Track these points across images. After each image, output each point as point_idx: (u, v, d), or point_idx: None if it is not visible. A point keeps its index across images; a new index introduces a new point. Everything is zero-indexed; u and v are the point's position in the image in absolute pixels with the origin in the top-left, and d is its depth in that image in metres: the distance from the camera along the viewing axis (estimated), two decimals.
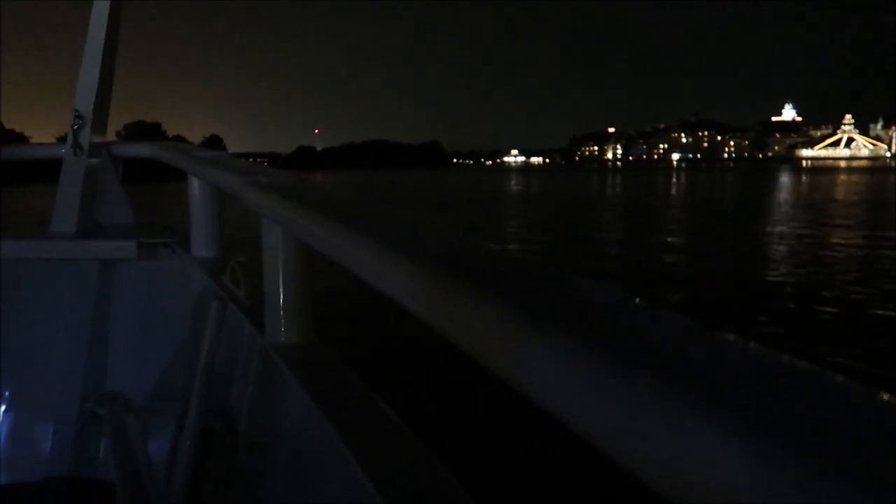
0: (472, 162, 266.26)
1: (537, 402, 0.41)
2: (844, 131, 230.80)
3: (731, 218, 25.67)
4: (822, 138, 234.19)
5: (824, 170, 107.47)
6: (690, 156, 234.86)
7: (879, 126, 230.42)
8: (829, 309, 9.28)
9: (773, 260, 14.10)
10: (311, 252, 1.31)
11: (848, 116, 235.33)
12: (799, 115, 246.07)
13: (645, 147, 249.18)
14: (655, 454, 0.32)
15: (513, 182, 71.55)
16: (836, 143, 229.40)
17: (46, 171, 2.77)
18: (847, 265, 12.92)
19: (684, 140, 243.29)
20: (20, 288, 2.30)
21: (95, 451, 2.20)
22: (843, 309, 9.30)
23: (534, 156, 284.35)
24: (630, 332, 0.42)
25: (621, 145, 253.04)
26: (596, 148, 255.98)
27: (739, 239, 18.00)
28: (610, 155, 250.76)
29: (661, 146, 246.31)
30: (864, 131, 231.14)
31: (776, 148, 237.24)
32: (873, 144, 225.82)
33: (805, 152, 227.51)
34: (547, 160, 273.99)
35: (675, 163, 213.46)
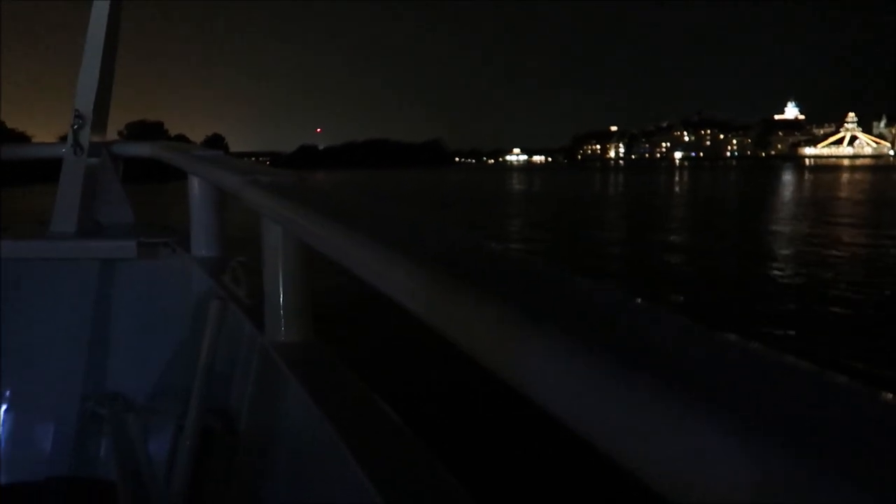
0: (474, 161, 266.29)
1: (537, 402, 0.41)
2: (847, 129, 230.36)
3: (734, 216, 25.63)
4: (825, 136, 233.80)
5: (827, 168, 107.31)
6: (693, 154, 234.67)
7: (883, 124, 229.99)
8: (834, 309, 9.26)
9: (776, 259, 14.07)
10: (311, 251, 1.30)
11: (851, 115, 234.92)
12: (802, 114, 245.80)
13: (647, 146, 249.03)
14: (655, 454, 0.32)
15: (515, 181, 71.59)
16: (840, 142, 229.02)
17: (46, 170, 2.77)
18: (853, 265, 12.88)
19: (687, 139, 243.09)
20: (20, 288, 2.30)
21: (96, 451, 2.20)
22: (847, 308, 9.28)
23: (536, 154, 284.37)
24: (630, 332, 0.42)
25: (624, 144, 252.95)
26: (598, 146, 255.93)
27: (743, 237, 17.97)
28: (612, 154, 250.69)
29: (664, 145, 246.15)
30: (867, 129, 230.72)
31: (779, 146, 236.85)
32: (876, 143, 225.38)
33: (808, 150, 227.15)
34: (549, 159, 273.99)
35: (677, 161, 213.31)
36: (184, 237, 2.35)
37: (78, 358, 2.28)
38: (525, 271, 0.60)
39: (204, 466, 1.68)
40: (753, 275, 12.13)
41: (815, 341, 7.53)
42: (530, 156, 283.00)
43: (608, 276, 11.68)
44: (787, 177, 70.02)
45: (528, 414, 0.82)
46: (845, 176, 70.21)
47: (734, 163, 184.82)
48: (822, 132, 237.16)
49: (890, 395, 0.30)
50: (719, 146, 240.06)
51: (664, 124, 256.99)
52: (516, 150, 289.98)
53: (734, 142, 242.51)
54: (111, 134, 2.77)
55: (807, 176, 72.64)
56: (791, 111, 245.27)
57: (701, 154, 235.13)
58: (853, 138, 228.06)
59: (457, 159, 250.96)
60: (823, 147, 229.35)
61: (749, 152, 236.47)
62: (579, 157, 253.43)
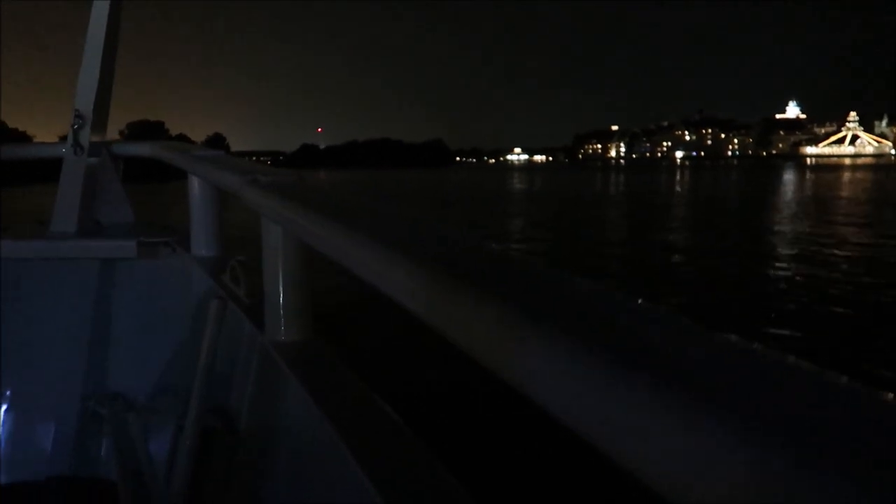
0: (475, 160, 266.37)
1: (537, 402, 0.41)
2: (849, 128, 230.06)
3: (735, 216, 25.60)
4: (827, 135, 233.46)
5: (829, 167, 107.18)
6: (694, 153, 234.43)
7: (884, 123, 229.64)
8: (835, 309, 9.25)
9: (778, 259, 14.06)
10: (310, 251, 1.30)
11: (853, 114, 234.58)
12: (803, 113, 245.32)
13: (648, 145, 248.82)
14: (655, 454, 0.32)
15: (516, 180, 71.56)
16: (841, 141, 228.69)
17: (47, 170, 2.77)
18: (856, 264, 12.87)
19: (688, 138, 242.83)
20: (20, 287, 2.30)
21: (96, 451, 2.20)
22: (848, 308, 9.27)
23: (537, 154, 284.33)
24: (630, 332, 0.42)
25: (625, 143, 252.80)
26: (599, 146, 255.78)
27: (744, 237, 17.96)
28: (613, 153, 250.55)
29: (665, 144, 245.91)
30: (868, 129, 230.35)
31: (780, 145, 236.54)
32: (878, 142, 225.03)
33: (809, 150, 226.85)
34: (550, 158, 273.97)
35: (678, 161, 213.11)
36: (184, 237, 2.35)
37: (78, 357, 2.28)
38: (525, 271, 0.59)
39: (204, 466, 1.69)
40: (755, 274, 12.12)
41: (816, 341, 7.52)
42: (531, 155, 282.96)
43: (608, 277, 11.67)
44: (789, 176, 69.95)
45: (528, 414, 0.82)
46: (847, 175, 70.11)
47: (735, 162, 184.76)
48: (823, 131, 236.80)
49: (890, 395, 0.30)
50: (720, 145, 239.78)
51: (665, 123, 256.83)
52: (517, 150, 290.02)
53: (735, 141, 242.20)
54: (112, 133, 2.78)
55: (808, 175, 72.54)
56: (792, 110, 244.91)
57: (702, 153, 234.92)
58: (854, 137, 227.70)
59: (458, 159, 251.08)
60: (825, 146, 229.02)
61: (750, 151, 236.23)
62: (580, 156, 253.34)
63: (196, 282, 2.20)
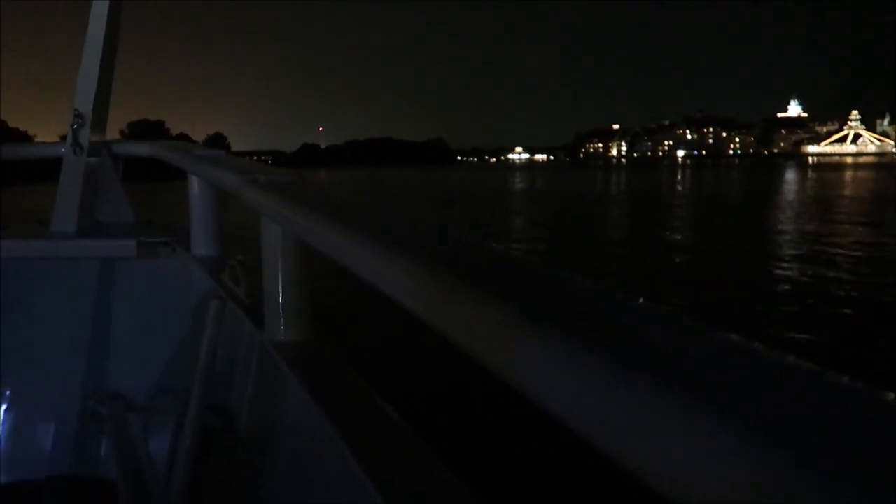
0: (476, 159, 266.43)
1: (537, 402, 0.41)
2: (851, 127, 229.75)
3: (736, 215, 25.59)
4: (829, 134, 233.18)
5: (831, 166, 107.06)
6: (695, 152, 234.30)
7: (886, 122, 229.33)
8: (836, 308, 9.23)
9: (779, 258, 14.04)
10: (310, 250, 1.30)
11: (854, 112, 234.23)
12: (805, 112, 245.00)
13: (650, 144, 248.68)
14: (655, 454, 0.32)
15: (517, 179, 71.57)
16: (843, 140, 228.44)
17: (48, 169, 2.77)
18: (860, 264, 12.85)
19: (689, 137, 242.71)
20: (20, 287, 2.30)
21: (96, 450, 2.20)
22: (850, 308, 9.26)
23: (538, 153, 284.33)
24: (630, 332, 0.42)
25: (626, 142, 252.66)
26: (600, 145, 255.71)
27: (746, 236, 17.94)
28: (615, 152, 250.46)
29: (666, 143, 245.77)
30: (870, 127, 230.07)
31: (782, 144, 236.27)
32: (880, 140, 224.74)
33: (811, 148, 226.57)
34: (551, 157, 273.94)
35: (680, 159, 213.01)
36: (184, 236, 2.35)
37: (78, 357, 2.29)
38: (525, 271, 0.59)
39: (204, 465, 1.68)
40: (756, 273, 12.10)
41: (816, 341, 7.51)
42: (532, 154, 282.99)
43: (609, 276, 11.66)
44: (791, 175, 69.89)
45: (528, 414, 0.82)
46: (849, 174, 70.05)
47: (737, 161, 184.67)
48: (825, 130, 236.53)
49: (890, 395, 0.30)
50: (722, 144, 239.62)
51: (666, 122, 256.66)
52: (518, 149, 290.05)
53: (737, 140, 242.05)
54: (113, 133, 2.78)
55: (810, 174, 72.48)
56: (794, 109, 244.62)
57: (703, 152, 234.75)
58: (857, 136, 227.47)
59: (459, 158, 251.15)
60: (826, 145, 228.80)
61: (752, 150, 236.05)
62: (581, 155, 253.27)
63: (196, 281, 2.20)
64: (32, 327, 2.29)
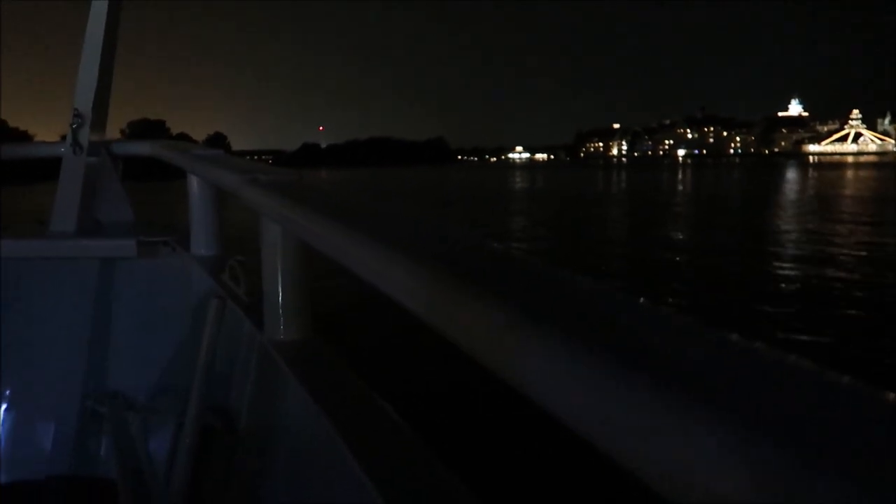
0: (476, 159, 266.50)
1: (537, 402, 0.41)
2: (852, 126, 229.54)
3: (737, 214, 25.57)
4: (829, 133, 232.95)
5: (832, 165, 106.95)
6: (696, 151, 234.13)
7: (887, 121, 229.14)
8: (838, 308, 9.23)
9: (780, 258, 14.04)
10: (310, 250, 1.30)
11: (855, 111, 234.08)
12: (805, 111, 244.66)
13: (650, 143, 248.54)
14: (655, 454, 0.32)
15: (517, 178, 71.55)
16: (844, 139, 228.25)
17: (49, 169, 2.77)
18: (862, 263, 12.84)
19: (690, 136, 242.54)
20: (20, 287, 2.30)
21: (96, 450, 2.20)
22: (851, 308, 9.25)
23: (538, 152, 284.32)
24: (630, 332, 0.42)
25: (626, 141, 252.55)
26: (601, 144, 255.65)
27: (747, 235, 17.93)
28: (615, 151, 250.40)
29: (667, 142, 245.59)
30: (871, 127, 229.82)
31: (783, 143, 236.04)
32: (881, 139, 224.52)
33: (812, 148, 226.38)
34: (552, 156, 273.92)
35: (680, 159, 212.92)
36: (183, 236, 2.35)
37: (78, 356, 2.29)
38: (525, 271, 0.59)
39: (204, 464, 1.68)
40: (756, 273, 12.10)
41: (817, 341, 7.50)
42: (533, 153, 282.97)
43: (609, 276, 11.66)
44: (792, 174, 69.83)
45: (528, 414, 0.81)
46: (850, 173, 70.00)
47: (737, 160, 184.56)
48: (826, 129, 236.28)
49: (890, 395, 0.30)
50: (722, 143, 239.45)
51: (667, 122, 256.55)
52: (519, 148, 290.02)
53: (737, 139, 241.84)
54: (113, 133, 2.78)
55: (811, 173, 72.43)
56: (795, 108, 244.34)
57: (704, 151, 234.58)
58: (857, 135, 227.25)
59: (459, 157, 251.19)
60: (827, 144, 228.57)
61: (752, 149, 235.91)
62: (582, 154, 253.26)
63: (195, 281, 2.20)
64: (32, 327, 2.29)
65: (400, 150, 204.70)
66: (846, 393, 0.31)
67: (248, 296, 1.76)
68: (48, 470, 2.19)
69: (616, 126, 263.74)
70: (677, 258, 14.16)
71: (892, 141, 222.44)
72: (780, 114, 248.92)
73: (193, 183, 2.29)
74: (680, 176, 73.16)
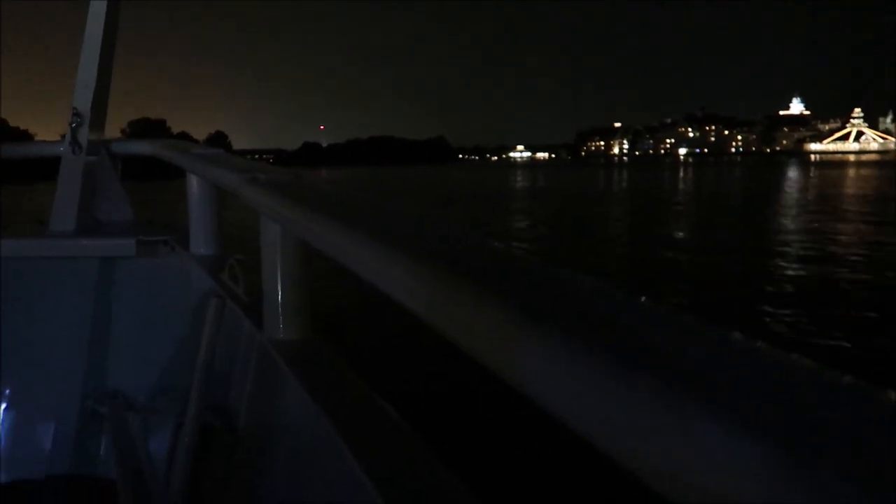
0: (477, 157, 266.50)
1: (537, 402, 0.41)
2: (854, 125, 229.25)
3: (738, 213, 25.55)
4: (831, 132, 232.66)
5: (833, 164, 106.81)
6: (697, 150, 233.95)
7: (889, 120, 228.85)
8: (838, 308, 9.22)
9: (781, 257, 14.02)
10: (309, 249, 1.29)
11: (857, 110, 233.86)
12: (807, 109, 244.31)
13: (651, 142, 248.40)
14: (655, 454, 0.32)
15: (518, 177, 71.55)
16: (846, 137, 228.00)
17: (48, 169, 2.76)
18: (864, 263, 12.81)
19: (691, 135, 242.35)
20: (20, 286, 2.30)
21: (96, 449, 2.20)
22: (852, 308, 9.24)
23: (539, 151, 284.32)
24: (630, 332, 0.41)
25: (627, 140, 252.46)
26: (602, 143, 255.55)
27: (748, 234, 17.91)
28: (616, 150, 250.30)
29: (668, 141, 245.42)
30: (873, 125, 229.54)
31: (784, 142, 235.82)
32: (883, 138, 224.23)
33: (814, 146, 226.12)
34: (553, 155, 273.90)
35: (681, 157, 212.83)
36: (183, 235, 2.35)
37: (78, 356, 2.28)
38: (525, 270, 0.59)
39: (203, 464, 1.68)
40: (758, 272, 12.08)
41: (818, 341, 7.49)
42: (534, 152, 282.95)
43: (609, 275, 11.65)
44: (793, 173, 69.75)
45: (528, 414, 0.81)
46: (851, 171, 69.92)
47: (739, 159, 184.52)
48: (827, 128, 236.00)
49: (890, 395, 0.30)
50: (724, 142, 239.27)
51: (668, 120, 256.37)
52: (520, 147, 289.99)
53: (739, 138, 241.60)
54: (114, 132, 2.78)
55: (812, 172, 72.35)
56: (796, 107, 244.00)
57: (705, 150, 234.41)
58: (859, 134, 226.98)
59: (460, 156, 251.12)
60: (829, 143, 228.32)
61: (754, 148, 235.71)
62: (583, 153, 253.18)
63: (195, 280, 2.19)
64: (32, 326, 2.29)
65: (401, 149, 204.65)
66: (847, 392, 0.31)
67: (247, 295, 1.76)
68: (48, 469, 2.19)
69: (617, 125, 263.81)
70: (679, 257, 14.15)
71: (894, 139, 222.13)
72: (781, 112, 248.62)
73: (193, 182, 2.29)
74: (681, 175, 73.11)
